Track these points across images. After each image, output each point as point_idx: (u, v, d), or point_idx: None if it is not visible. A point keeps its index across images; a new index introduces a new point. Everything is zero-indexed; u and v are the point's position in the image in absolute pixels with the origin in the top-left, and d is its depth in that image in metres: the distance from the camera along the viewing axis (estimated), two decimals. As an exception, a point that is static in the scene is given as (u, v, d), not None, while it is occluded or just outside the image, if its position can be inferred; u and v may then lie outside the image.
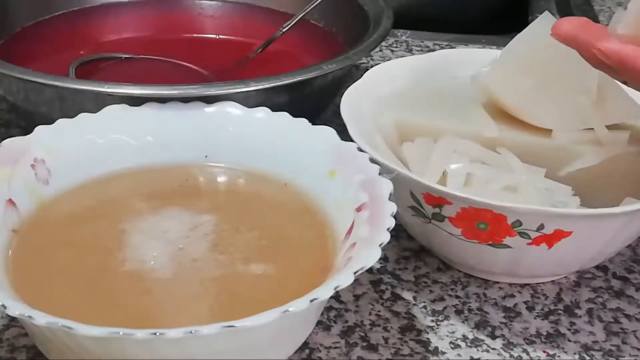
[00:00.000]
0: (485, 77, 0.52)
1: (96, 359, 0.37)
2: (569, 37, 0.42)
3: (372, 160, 0.44)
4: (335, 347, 0.45)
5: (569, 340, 0.46)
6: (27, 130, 0.47)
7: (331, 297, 0.37)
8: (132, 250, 0.43)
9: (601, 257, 0.48)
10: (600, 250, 0.47)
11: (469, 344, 0.46)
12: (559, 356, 0.45)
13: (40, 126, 0.47)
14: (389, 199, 0.41)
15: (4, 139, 0.45)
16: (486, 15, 1.00)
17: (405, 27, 0.82)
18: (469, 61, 0.57)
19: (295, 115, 0.49)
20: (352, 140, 0.47)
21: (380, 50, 0.78)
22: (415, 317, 0.47)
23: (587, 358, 0.45)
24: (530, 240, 0.45)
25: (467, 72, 0.54)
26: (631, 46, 0.39)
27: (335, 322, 0.46)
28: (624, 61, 0.40)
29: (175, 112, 0.50)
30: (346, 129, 0.48)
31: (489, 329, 0.47)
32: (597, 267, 0.52)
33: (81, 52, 0.65)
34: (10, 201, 0.43)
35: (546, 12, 0.50)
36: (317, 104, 0.60)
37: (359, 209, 0.42)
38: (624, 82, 0.44)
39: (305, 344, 0.44)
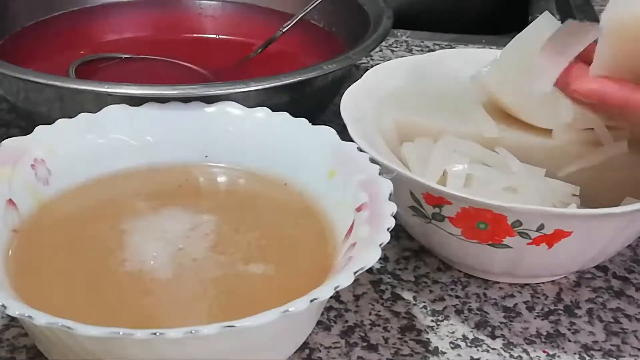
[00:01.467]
0: (485, 77, 0.52)
1: (96, 359, 0.37)
2: None
3: (372, 160, 0.44)
4: (335, 347, 0.45)
5: (569, 340, 0.46)
6: (27, 130, 0.47)
7: (331, 297, 0.37)
8: (132, 250, 0.43)
9: (601, 257, 0.48)
10: (600, 250, 0.47)
11: (469, 344, 0.46)
12: (559, 356, 0.45)
13: (40, 126, 0.47)
14: (389, 199, 0.41)
15: (4, 139, 0.45)
16: (486, 15, 1.00)
17: (405, 27, 0.82)
18: (469, 61, 0.57)
19: (295, 115, 0.49)
20: (352, 140, 0.47)
21: (380, 50, 0.78)
22: (415, 317, 0.47)
23: (587, 358, 0.45)
24: (530, 240, 0.45)
25: (467, 72, 0.54)
26: (603, 85, 0.41)
27: (335, 322, 0.46)
28: (602, 98, 0.41)
29: (175, 112, 0.50)
30: (346, 129, 0.48)
31: (489, 329, 0.47)
32: (597, 267, 0.52)
33: (81, 52, 0.65)
34: (10, 201, 0.43)
35: (546, 12, 0.50)
36: (317, 104, 0.60)
37: (359, 209, 0.42)
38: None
39: (305, 344, 0.44)
